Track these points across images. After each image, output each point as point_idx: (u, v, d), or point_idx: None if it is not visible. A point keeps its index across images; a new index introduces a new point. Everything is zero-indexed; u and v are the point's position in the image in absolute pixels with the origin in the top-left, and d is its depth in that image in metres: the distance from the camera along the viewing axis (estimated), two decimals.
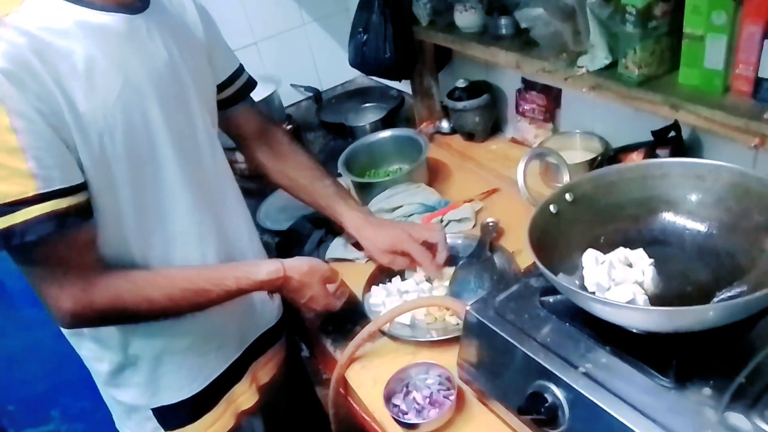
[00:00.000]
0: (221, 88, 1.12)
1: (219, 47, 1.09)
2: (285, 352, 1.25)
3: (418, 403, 0.96)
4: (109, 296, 0.85)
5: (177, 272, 0.94)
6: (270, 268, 0.99)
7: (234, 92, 1.15)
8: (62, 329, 0.98)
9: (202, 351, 1.03)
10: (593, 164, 1.24)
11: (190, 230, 0.96)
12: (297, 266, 1.01)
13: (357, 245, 1.28)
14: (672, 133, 1.11)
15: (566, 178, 0.92)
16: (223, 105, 1.14)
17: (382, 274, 1.21)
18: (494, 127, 1.64)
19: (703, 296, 0.76)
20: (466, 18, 1.36)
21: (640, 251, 0.80)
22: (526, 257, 0.76)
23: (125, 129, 0.83)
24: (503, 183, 1.43)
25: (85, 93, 0.78)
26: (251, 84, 1.20)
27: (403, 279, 1.20)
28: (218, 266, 1.00)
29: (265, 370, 1.18)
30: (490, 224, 1.24)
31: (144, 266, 0.91)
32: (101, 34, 0.81)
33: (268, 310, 1.17)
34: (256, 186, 1.64)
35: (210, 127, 1.01)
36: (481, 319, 0.85)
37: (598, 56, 1.06)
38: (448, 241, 1.20)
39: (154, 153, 0.88)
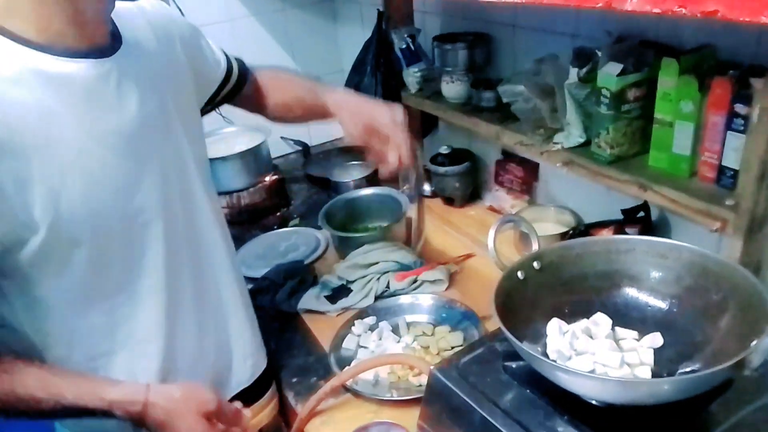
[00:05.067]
0: (218, 91, 1.10)
1: (203, 62, 1.04)
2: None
3: None
4: None
5: (24, 369, 0.79)
6: (128, 389, 0.82)
7: (232, 87, 1.13)
8: None
9: None
10: (564, 237, 1.27)
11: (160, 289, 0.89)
12: (165, 391, 0.83)
13: (330, 299, 1.28)
14: (641, 213, 1.15)
15: (535, 246, 0.95)
16: (226, 99, 1.15)
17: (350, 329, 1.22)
18: (473, 193, 1.68)
19: (663, 371, 0.77)
20: (453, 89, 1.43)
21: (604, 316, 0.82)
22: (495, 322, 0.77)
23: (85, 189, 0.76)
24: (479, 249, 1.45)
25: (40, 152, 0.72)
26: (243, 72, 1.15)
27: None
28: (69, 375, 0.82)
29: None
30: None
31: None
32: (61, 85, 0.74)
33: (240, 370, 1.06)
34: (235, 232, 1.65)
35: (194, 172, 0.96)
36: (443, 379, 0.85)
37: (573, 134, 1.11)
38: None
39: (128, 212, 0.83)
